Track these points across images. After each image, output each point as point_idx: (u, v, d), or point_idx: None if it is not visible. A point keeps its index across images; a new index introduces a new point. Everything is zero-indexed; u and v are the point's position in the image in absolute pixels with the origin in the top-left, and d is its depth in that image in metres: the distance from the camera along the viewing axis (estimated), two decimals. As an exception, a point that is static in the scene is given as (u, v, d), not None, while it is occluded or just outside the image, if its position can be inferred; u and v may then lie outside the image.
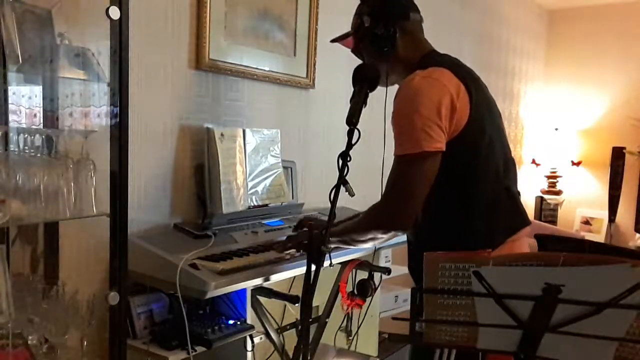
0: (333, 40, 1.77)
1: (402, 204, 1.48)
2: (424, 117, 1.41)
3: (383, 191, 1.53)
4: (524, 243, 1.59)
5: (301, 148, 2.64)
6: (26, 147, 1.42)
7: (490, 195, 1.51)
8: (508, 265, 1.06)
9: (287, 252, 1.84)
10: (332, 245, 1.62)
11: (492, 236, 1.49)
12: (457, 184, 1.49)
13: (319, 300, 2.30)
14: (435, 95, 1.42)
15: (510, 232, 1.54)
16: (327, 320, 2.23)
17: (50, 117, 1.55)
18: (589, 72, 4.99)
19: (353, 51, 1.71)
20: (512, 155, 1.65)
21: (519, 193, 1.62)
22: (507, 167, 1.57)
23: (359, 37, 1.65)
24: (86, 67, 1.56)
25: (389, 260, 2.54)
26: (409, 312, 1.16)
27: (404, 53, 1.60)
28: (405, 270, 1.69)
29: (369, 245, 1.65)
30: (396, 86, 1.57)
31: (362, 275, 2.19)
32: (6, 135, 1.39)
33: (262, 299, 2.02)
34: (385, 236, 1.56)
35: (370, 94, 1.55)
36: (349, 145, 1.43)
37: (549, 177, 4.97)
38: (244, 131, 2.12)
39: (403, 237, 1.68)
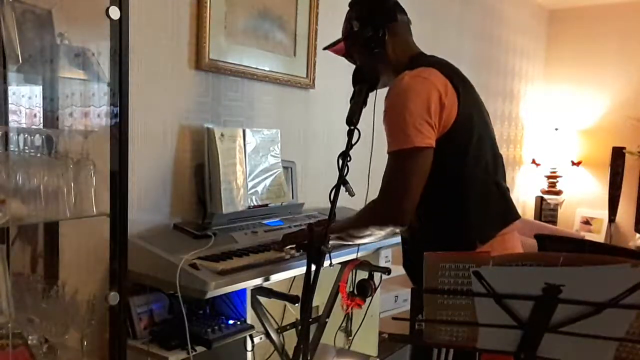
0: (325, 48, 1.81)
1: (398, 199, 1.49)
2: (413, 114, 1.44)
3: (380, 188, 1.53)
4: (515, 236, 1.62)
5: (301, 148, 2.64)
6: (26, 147, 1.42)
7: (481, 190, 1.54)
8: (508, 265, 1.06)
9: (287, 248, 1.84)
10: (331, 242, 1.62)
11: (484, 230, 1.52)
12: (448, 180, 1.51)
13: (319, 300, 2.30)
14: (424, 92, 1.45)
15: (502, 226, 1.56)
16: (327, 320, 2.23)
17: (50, 117, 1.55)
18: (589, 72, 4.99)
19: (345, 56, 1.75)
20: (511, 155, 1.66)
21: (507, 189, 1.64)
22: (496, 163, 1.60)
23: (349, 42, 1.69)
24: (86, 67, 1.56)
25: (389, 260, 2.54)
26: (409, 312, 1.16)
27: (393, 54, 1.64)
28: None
29: (366, 241, 1.66)
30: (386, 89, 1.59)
31: (362, 275, 2.19)
32: (6, 135, 1.39)
33: (262, 299, 2.02)
34: (382, 232, 1.57)
35: (370, 94, 1.56)
36: (349, 145, 1.44)
37: (549, 177, 4.96)
38: (244, 131, 2.12)
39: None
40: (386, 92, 1.54)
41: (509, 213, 1.61)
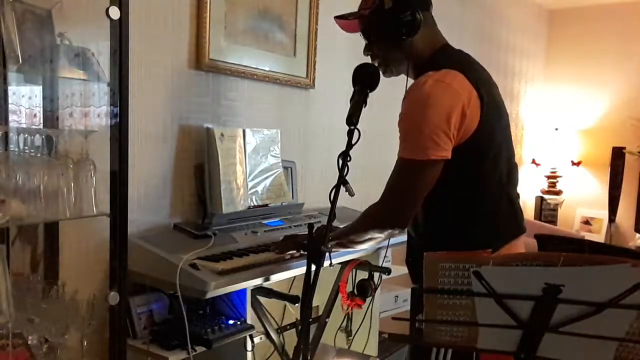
0: (337, 17, 1.63)
1: (400, 206, 1.49)
2: (432, 124, 1.39)
3: (383, 190, 1.53)
4: (520, 246, 1.59)
5: (301, 148, 2.64)
6: (26, 147, 1.42)
7: (491, 201, 1.51)
8: (508, 265, 1.06)
9: (288, 252, 1.84)
10: (332, 248, 1.62)
11: (489, 242, 1.47)
12: (460, 188, 1.49)
13: (319, 300, 2.30)
14: (447, 102, 1.39)
15: (508, 239, 1.54)
16: (327, 320, 2.23)
17: (50, 117, 1.55)
18: (589, 72, 4.99)
19: (363, 33, 1.61)
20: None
21: (518, 195, 1.61)
22: (511, 174, 1.56)
23: (374, 20, 1.55)
24: (86, 67, 1.56)
25: (389, 260, 2.54)
26: (409, 312, 1.16)
27: (420, 43, 1.55)
28: (405, 270, 1.69)
29: (366, 246, 1.65)
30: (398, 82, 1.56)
31: (362, 275, 2.19)
32: (6, 135, 1.39)
33: (262, 299, 2.02)
34: (382, 235, 1.57)
35: (370, 94, 1.55)
36: (349, 145, 1.43)
37: (549, 177, 4.96)
38: (244, 131, 2.12)
39: (403, 237, 1.68)
40: (406, 92, 1.48)
41: (516, 227, 1.58)
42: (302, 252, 1.84)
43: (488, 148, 1.48)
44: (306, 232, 1.59)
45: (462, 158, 1.44)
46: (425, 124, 1.40)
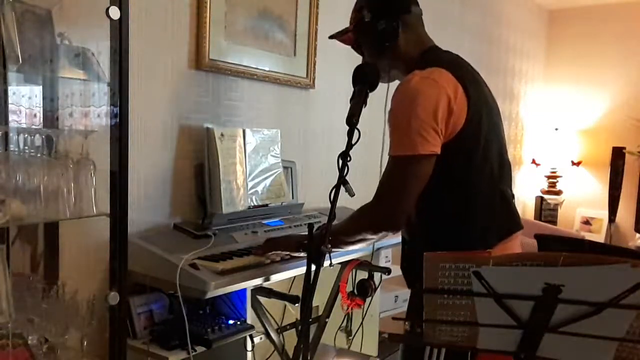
0: (331, 37, 1.74)
1: (393, 204, 1.47)
2: (420, 119, 1.40)
3: (375, 190, 1.52)
4: (517, 245, 1.59)
5: (301, 148, 2.64)
6: (26, 147, 1.42)
7: (484, 198, 1.51)
8: (508, 265, 1.06)
9: (270, 254, 1.78)
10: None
11: (484, 239, 1.48)
12: (451, 186, 1.48)
13: (319, 300, 2.30)
14: (433, 97, 1.40)
15: (503, 236, 1.53)
16: (327, 320, 2.23)
17: (50, 117, 1.55)
18: (589, 72, 4.99)
19: (353, 47, 1.68)
20: (510, 155, 1.63)
21: (513, 196, 1.61)
22: (502, 170, 1.56)
23: (359, 33, 1.62)
24: (86, 67, 1.56)
25: (389, 260, 2.54)
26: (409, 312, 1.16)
27: (406, 48, 1.57)
28: (405, 270, 1.69)
29: (357, 247, 1.61)
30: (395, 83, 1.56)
31: (362, 275, 2.20)
32: (6, 135, 1.39)
33: (262, 299, 2.02)
34: (375, 236, 1.54)
35: (370, 94, 1.55)
36: (349, 145, 1.42)
37: (549, 177, 4.97)
38: (244, 131, 2.12)
39: (400, 239, 1.68)
40: (394, 90, 1.50)
41: (512, 223, 1.57)
42: (289, 255, 1.78)
43: (477, 144, 1.48)
44: (299, 233, 1.58)
45: (451, 155, 1.44)
46: (413, 120, 1.41)
